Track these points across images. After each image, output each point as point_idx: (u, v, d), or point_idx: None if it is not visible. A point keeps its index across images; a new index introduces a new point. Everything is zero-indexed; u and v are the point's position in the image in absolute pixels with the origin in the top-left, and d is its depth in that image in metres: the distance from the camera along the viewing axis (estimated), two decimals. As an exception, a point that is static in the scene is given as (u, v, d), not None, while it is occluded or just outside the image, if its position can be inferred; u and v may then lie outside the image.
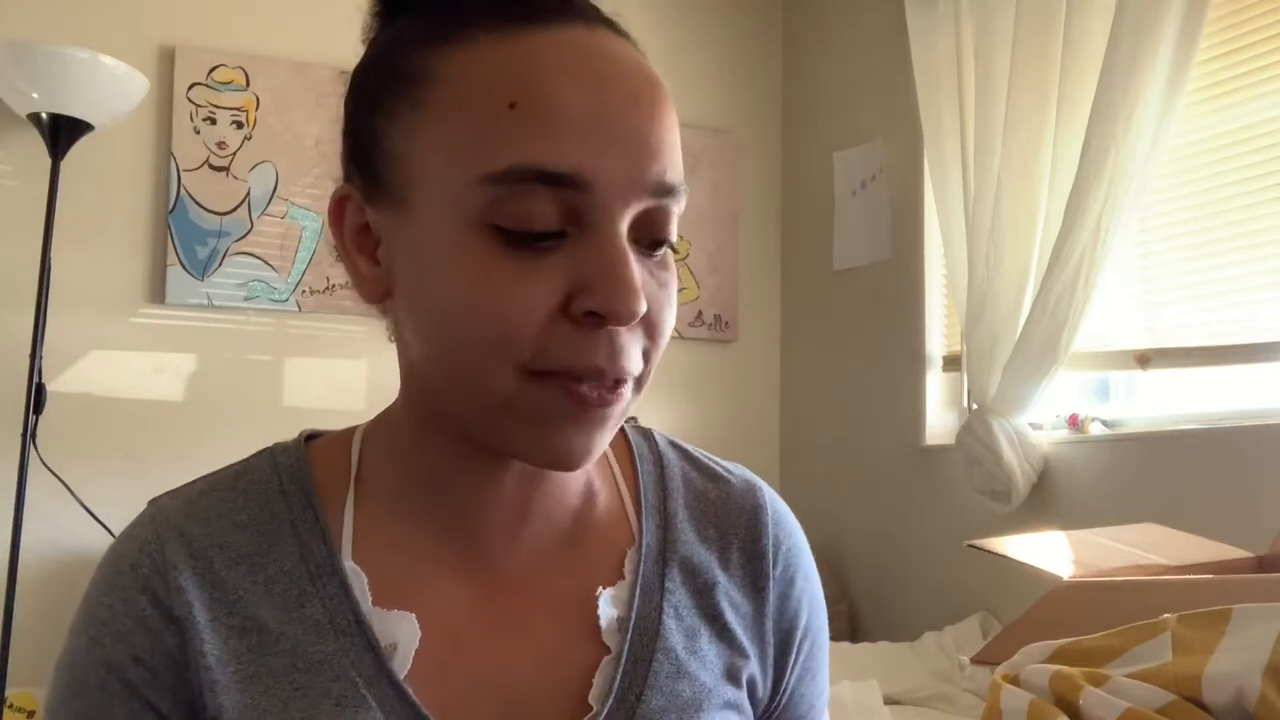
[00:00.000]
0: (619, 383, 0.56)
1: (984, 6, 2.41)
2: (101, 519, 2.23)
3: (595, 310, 0.53)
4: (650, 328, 0.57)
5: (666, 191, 0.56)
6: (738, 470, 0.72)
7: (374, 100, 0.58)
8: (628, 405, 0.58)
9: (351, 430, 0.66)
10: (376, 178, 0.58)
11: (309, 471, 0.63)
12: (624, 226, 0.54)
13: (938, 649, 2.25)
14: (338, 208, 0.60)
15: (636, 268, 0.54)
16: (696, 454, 0.72)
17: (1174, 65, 2.01)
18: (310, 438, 0.67)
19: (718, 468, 0.71)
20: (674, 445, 0.72)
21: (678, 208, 0.57)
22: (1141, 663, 0.76)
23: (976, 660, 1.20)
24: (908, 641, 2.33)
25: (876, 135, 2.90)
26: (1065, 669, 0.77)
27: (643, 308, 0.54)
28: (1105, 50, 2.07)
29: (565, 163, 0.52)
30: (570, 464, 0.57)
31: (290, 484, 0.62)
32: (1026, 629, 1.08)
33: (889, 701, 1.96)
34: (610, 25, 0.58)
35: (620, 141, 0.54)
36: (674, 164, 0.56)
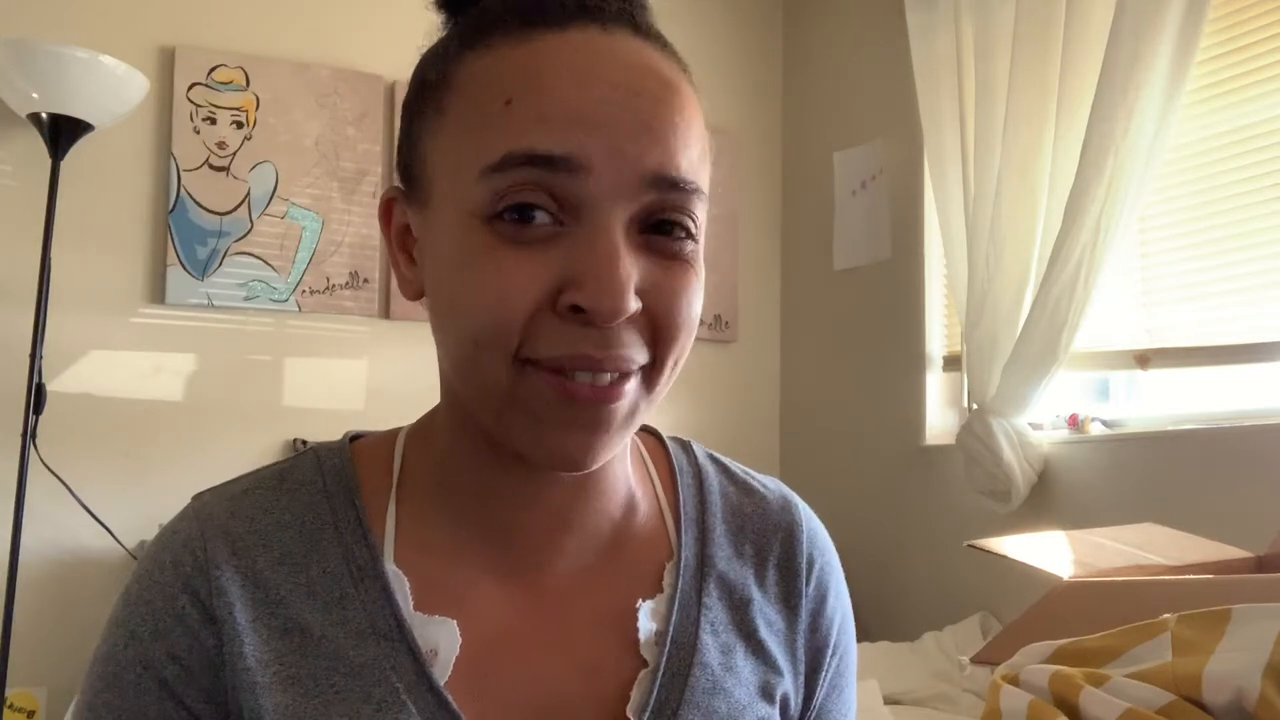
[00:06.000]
0: (622, 378, 0.55)
1: (984, 6, 2.41)
2: (101, 519, 2.23)
3: (579, 304, 0.52)
4: (654, 325, 0.55)
5: (669, 185, 0.54)
6: (773, 485, 0.72)
7: (411, 107, 0.60)
8: (634, 406, 0.56)
9: (395, 432, 0.66)
10: (412, 180, 0.60)
11: (353, 473, 0.63)
12: (619, 220, 0.53)
13: (938, 649, 2.25)
14: (386, 209, 0.62)
15: (631, 263, 0.53)
16: (734, 468, 0.72)
17: (1174, 65, 2.01)
18: (355, 438, 0.67)
19: (754, 482, 0.71)
20: (712, 458, 0.72)
21: (692, 206, 0.56)
22: (1141, 663, 0.75)
23: (976, 660, 1.20)
24: (908, 641, 2.33)
25: (876, 135, 2.90)
26: (1065, 669, 0.77)
27: (628, 306, 0.53)
28: (1105, 50, 2.07)
29: (556, 145, 0.52)
30: (571, 465, 0.56)
31: (334, 485, 0.62)
32: (1026, 629, 1.08)
33: (889, 701, 1.96)
34: (634, 26, 0.57)
35: (614, 130, 0.53)
36: (679, 158, 0.55)
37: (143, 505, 2.30)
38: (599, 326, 0.53)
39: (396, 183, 0.62)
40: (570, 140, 0.52)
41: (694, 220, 0.56)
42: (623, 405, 0.55)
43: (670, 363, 0.57)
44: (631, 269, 0.53)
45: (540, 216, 0.53)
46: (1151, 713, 0.69)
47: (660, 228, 0.55)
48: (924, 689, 2.07)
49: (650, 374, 0.56)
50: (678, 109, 0.56)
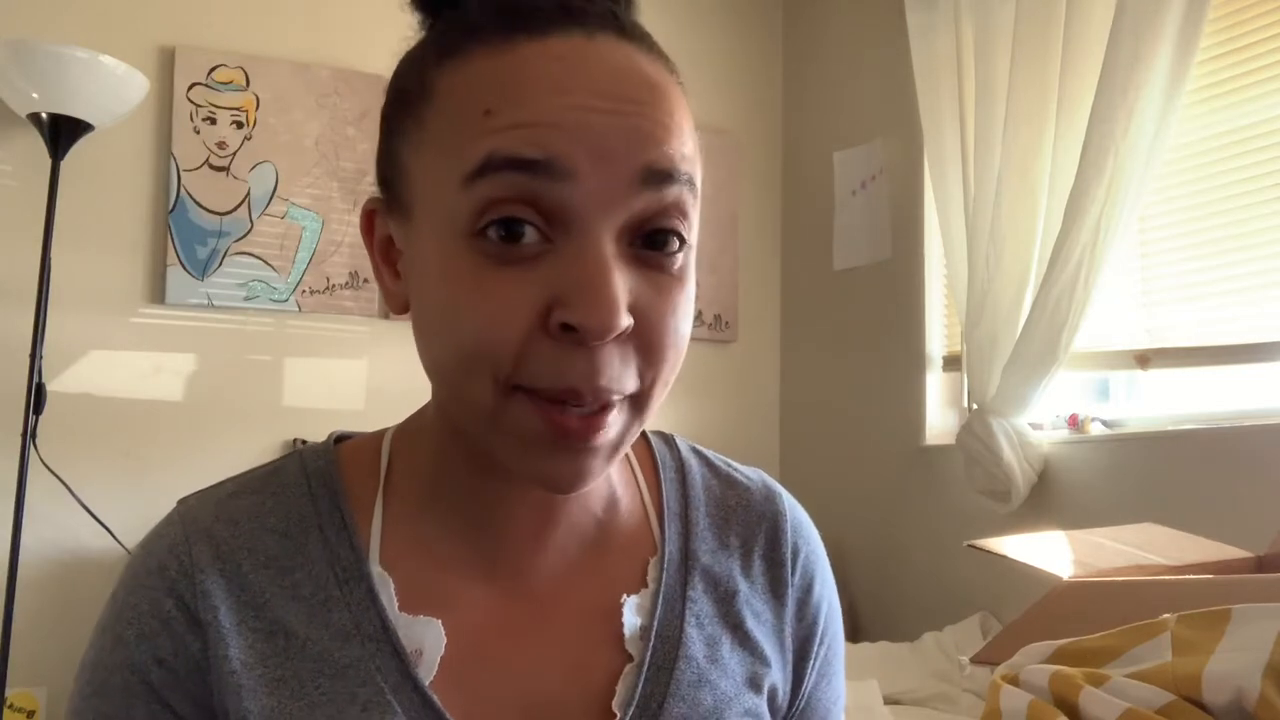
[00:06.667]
0: (605, 408, 0.53)
1: (984, 6, 2.41)
2: (101, 519, 2.23)
3: (569, 324, 0.50)
4: (644, 343, 0.53)
5: (663, 178, 0.52)
6: (756, 476, 0.72)
7: (389, 118, 0.59)
8: (623, 431, 0.55)
9: (381, 434, 0.66)
10: (393, 192, 0.58)
11: (338, 475, 0.63)
12: (609, 231, 0.52)
13: (938, 649, 2.25)
14: (367, 220, 0.61)
15: (621, 278, 0.51)
16: (716, 460, 0.72)
17: (1174, 65, 2.01)
18: (340, 439, 0.66)
19: (737, 474, 0.72)
20: (695, 451, 0.72)
21: (685, 204, 0.54)
22: (1141, 663, 0.75)
23: (976, 660, 1.20)
24: (908, 641, 2.33)
25: (876, 135, 2.90)
26: (1065, 669, 0.77)
27: (620, 323, 0.51)
28: (1105, 50, 2.07)
29: (538, 149, 0.50)
30: (561, 489, 0.56)
31: (320, 488, 0.62)
32: (1026, 629, 1.08)
33: (889, 701, 1.96)
34: (620, 30, 0.55)
35: (599, 134, 0.51)
36: (670, 151, 0.53)
37: (143, 505, 2.30)
38: (589, 345, 0.51)
39: (376, 193, 0.61)
40: (553, 145, 0.50)
41: (687, 223, 0.55)
42: (610, 434, 0.54)
43: (659, 387, 0.56)
44: (623, 283, 0.52)
45: (527, 233, 0.51)
46: (1151, 713, 0.69)
47: (652, 240, 0.53)
48: (924, 689, 2.07)
49: (639, 399, 0.55)
50: (666, 111, 0.54)
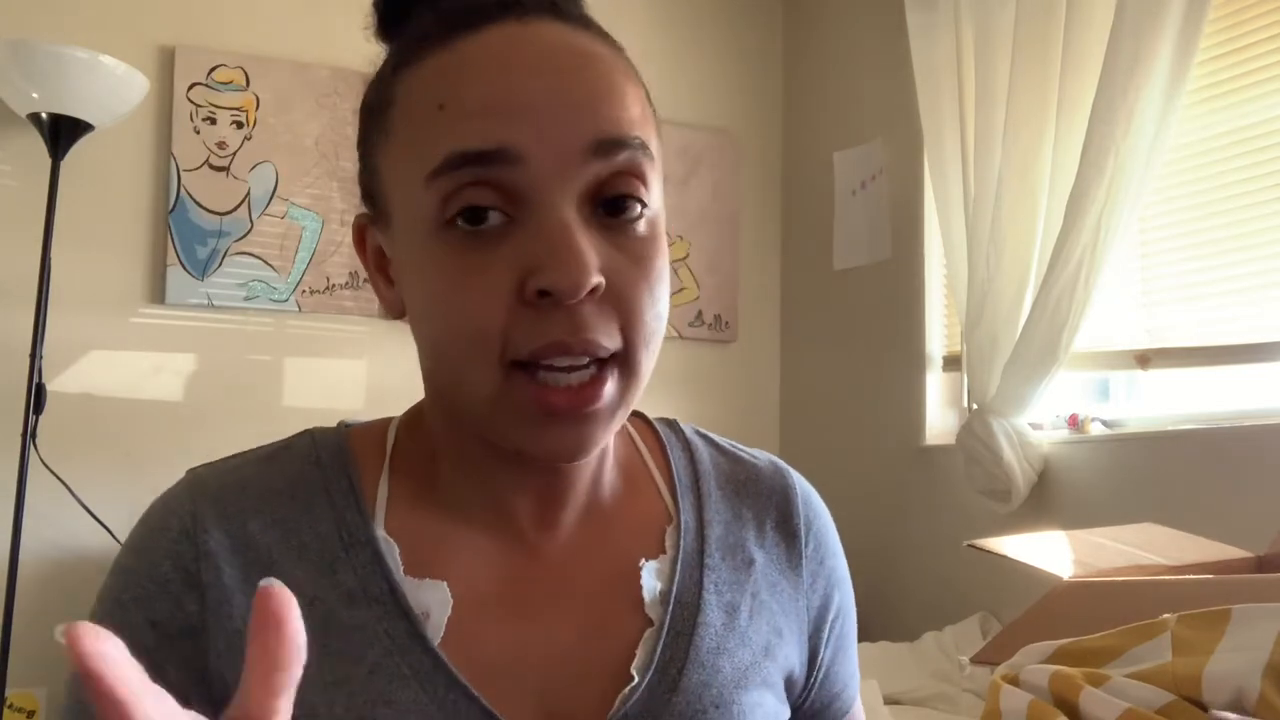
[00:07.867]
0: (598, 377, 0.55)
1: (984, 6, 2.41)
2: (101, 519, 2.23)
3: (543, 287, 0.53)
4: (619, 302, 0.55)
5: (610, 148, 0.55)
6: (762, 455, 0.74)
7: (364, 134, 0.63)
8: (617, 399, 0.56)
9: (388, 419, 0.68)
10: (375, 203, 0.62)
11: (348, 448, 0.64)
12: (568, 199, 0.54)
13: (938, 649, 2.25)
14: (359, 234, 0.64)
15: (585, 239, 0.53)
16: (721, 441, 0.74)
17: (1174, 65, 2.01)
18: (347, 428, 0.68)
19: (742, 453, 0.73)
20: (699, 433, 0.73)
21: (640, 167, 0.56)
22: (1141, 663, 0.75)
23: (976, 660, 1.20)
24: (908, 641, 2.33)
25: (876, 135, 2.90)
26: (1065, 669, 0.77)
27: (591, 279, 0.53)
28: (1105, 51, 2.07)
29: (489, 140, 0.53)
30: (562, 459, 0.58)
31: (328, 458, 0.63)
32: (1026, 629, 1.08)
33: (889, 701, 1.96)
34: (556, 15, 0.58)
35: (539, 113, 0.54)
36: (614, 117, 0.55)
37: (143, 505, 2.29)
38: (567, 305, 0.53)
39: (362, 209, 0.64)
40: (499, 132, 0.53)
41: (645, 186, 0.56)
42: (604, 403, 0.56)
43: (642, 346, 0.57)
44: (589, 245, 0.53)
45: (492, 216, 0.54)
46: (1151, 713, 0.69)
47: (613, 206, 0.55)
48: (924, 689, 2.07)
49: (625, 361, 0.56)
50: (600, 75, 0.56)
